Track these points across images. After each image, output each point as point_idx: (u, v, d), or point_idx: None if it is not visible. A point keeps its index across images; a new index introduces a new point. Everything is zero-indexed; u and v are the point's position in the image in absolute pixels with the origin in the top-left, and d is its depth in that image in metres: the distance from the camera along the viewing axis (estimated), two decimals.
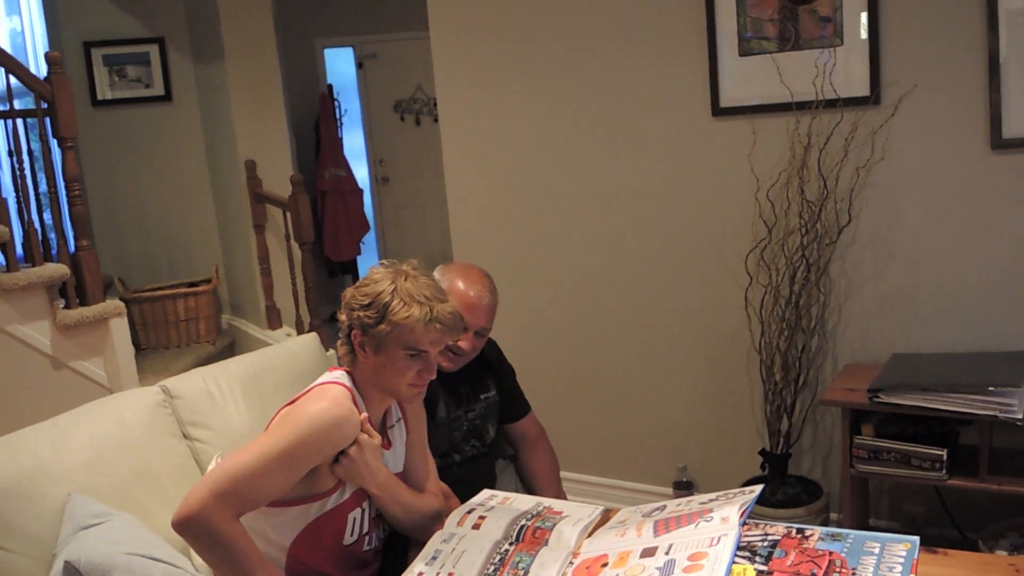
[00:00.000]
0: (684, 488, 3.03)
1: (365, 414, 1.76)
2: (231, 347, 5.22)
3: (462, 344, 2.14)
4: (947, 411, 2.25)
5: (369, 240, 6.61)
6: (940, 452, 2.32)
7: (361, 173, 6.53)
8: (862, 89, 2.61)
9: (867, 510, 2.76)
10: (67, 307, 3.70)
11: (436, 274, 2.20)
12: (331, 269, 6.50)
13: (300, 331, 4.73)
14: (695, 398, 3.06)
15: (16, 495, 1.90)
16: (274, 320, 5.08)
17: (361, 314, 1.73)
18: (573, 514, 1.87)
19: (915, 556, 1.52)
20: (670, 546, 1.62)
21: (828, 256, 2.69)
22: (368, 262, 6.70)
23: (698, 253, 2.97)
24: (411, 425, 1.96)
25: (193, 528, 1.59)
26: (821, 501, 2.68)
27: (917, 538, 1.57)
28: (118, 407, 2.20)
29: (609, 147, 3.08)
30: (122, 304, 3.86)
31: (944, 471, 2.32)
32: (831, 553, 1.55)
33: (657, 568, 1.56)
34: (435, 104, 6.50)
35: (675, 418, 3.12)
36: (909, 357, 2.59)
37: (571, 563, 1.69)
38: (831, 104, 2.61)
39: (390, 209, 6.73)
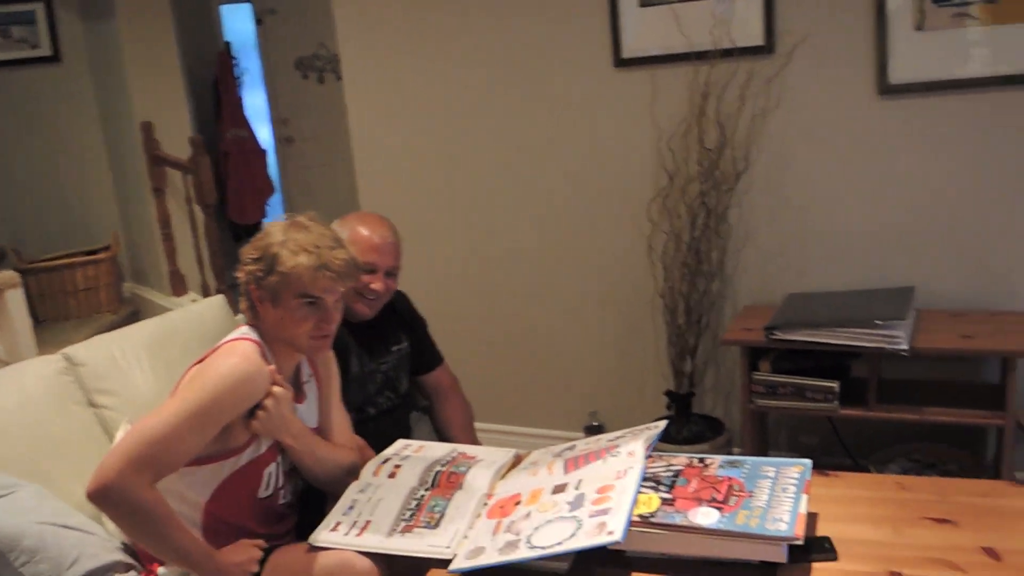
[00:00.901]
0: (595, 432, 3.11)
1: (273, 367, 1.77)
2: (134, 316, 5.09)
3: (375, 287, 2.17)
4: (838, 345, 2.37)
5: (275, 203, 6.49)
6: (832, 384, 2.45)
7: (264, 134, 6.38)
8: (757, 39, 2.68)
9: (766, 443, 2.89)
10: None
11: (334, 226, 2.21)
12: (236, 233, 6.35)
13: (206, 296, 4.64)
14: (603, 344, 3.14)
15: None
16: (178, 286, 4.97)
17: (253, 267, 1.75)
18: (487, 458, 1.92)
19: (808, 477, 1.62)
20: (579, 481, 1.68)
21: (727, 203, 2.78)
22: None
23: (603, 202, 3.02)
24: (323, 380, 1.97)
25: (110, 498, 1.58)
26: (723, 437, 2.80)
27: (810, 461, 1.67)
28: (19, 377, 2.14)
29: (514, 99, 3.09)
30: (17, 275, 3.72)
31: (836, 402, 2.45)
32: (730, 479, 1.63)
33: (568, 502, 1.62)
34: (339, 61, 6.38)
35: (584, 364, 3.20)
36: (802, 296, 2.71)
37: (485, 504, 1.74)
38: (728, 54, 2.68)
39: (296, 170, 6.60)
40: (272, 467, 1.83)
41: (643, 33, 2.84)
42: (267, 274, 1.73)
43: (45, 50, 5.27)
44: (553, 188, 3.10)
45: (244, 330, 1.81)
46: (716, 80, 2.72)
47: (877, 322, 2.31)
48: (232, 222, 6.19)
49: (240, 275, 1.80)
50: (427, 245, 3.29)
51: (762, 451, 2.77)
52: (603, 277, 3.09)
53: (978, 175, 2.56)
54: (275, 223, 1.79)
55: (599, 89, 2.94)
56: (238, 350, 1.73)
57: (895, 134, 2.62)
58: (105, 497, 1.58)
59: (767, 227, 2.80)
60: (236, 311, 2.72)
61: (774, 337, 2.46)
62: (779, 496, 1.56)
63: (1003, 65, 2.48)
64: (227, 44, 6.18)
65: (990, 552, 1.47)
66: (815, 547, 1.53)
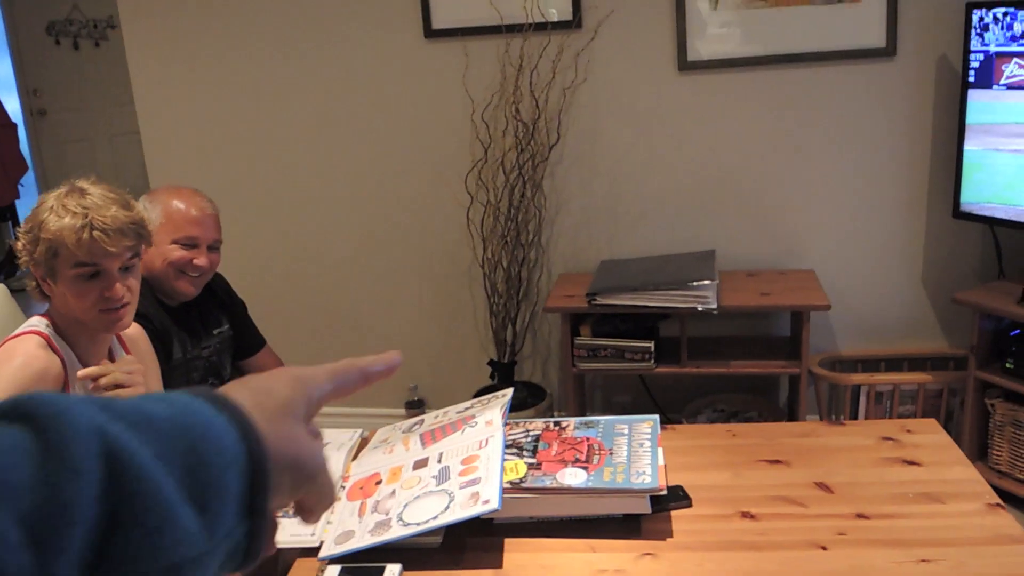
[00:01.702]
0: (416, 407, 3.11)
1: (63, 356, 1.61)
2: None
3: (198, 262, 2.04)
4: (656, 307, 2.51)
5: (28, 181, 5.89)
6: (648, 344, 2.59)
7: (12, 105, 5.75)
8: (566, 13, 2.75)
9: (584, 404, 3.02)
10: None
11: (143, 202, 2.06)
12: None
13: None
14: (423, 317, 3.13)
15: None
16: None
17: (24, 241, 1.59)
18: (334, 440, 1.87)
19: (659, 432, 1.71)
20: (440, 454, 1.67)
21: (542, 173, 2.85)
22: (28, 206, 5.98)
23: (419, 175, 3.00)
24: (144, 367, 1.83)
25: None
26: (546, 401, 2.89)
27: (657, 416, 1.76)
28: None
29: (323, 72, 2.98)
30: None
31: (652, 361, 2.60)
32: (588, 439, 1.69)
33: (433, 476, 1.60)
34: (96, 25, 5.87)
35: (404, 339, 3.17)
36: (615, 263, 2.83)
37: (343, 487, 1.69)
38: (540, 27, 2.73)
39: (51, 145, 6.02)
40: None
41: (454, 5, 2.83)
42: (36, 245, 1.56)
43: None
44: (366, 162, 3.03)
45: (31, 322, 1.65)
46: (528, 53, 2.76)
47: (691, 284, 2.47)
48: None
49: (21, 255, 1.62)
50: (235, 225, 3.09)
51: (581, 412, 2.88)
52: (421, 250, 3.07)
53: (765, 146, 2.79)
54: (52, 191, 1.61)
55: (410, 60, 2.90)
56: (19, 350, 1.56)
57: (693, 108, 2.79)
58: None
59: (579, 197, 2.90)
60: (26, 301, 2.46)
61: (595, 303, 2.56)
62: (637, 451, 1.63)
63: (784, 44, 2.70)
64: None
65: (822, 486, 1.62)
66: (671, 496, 1.61)
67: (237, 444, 0.49)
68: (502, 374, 2.88)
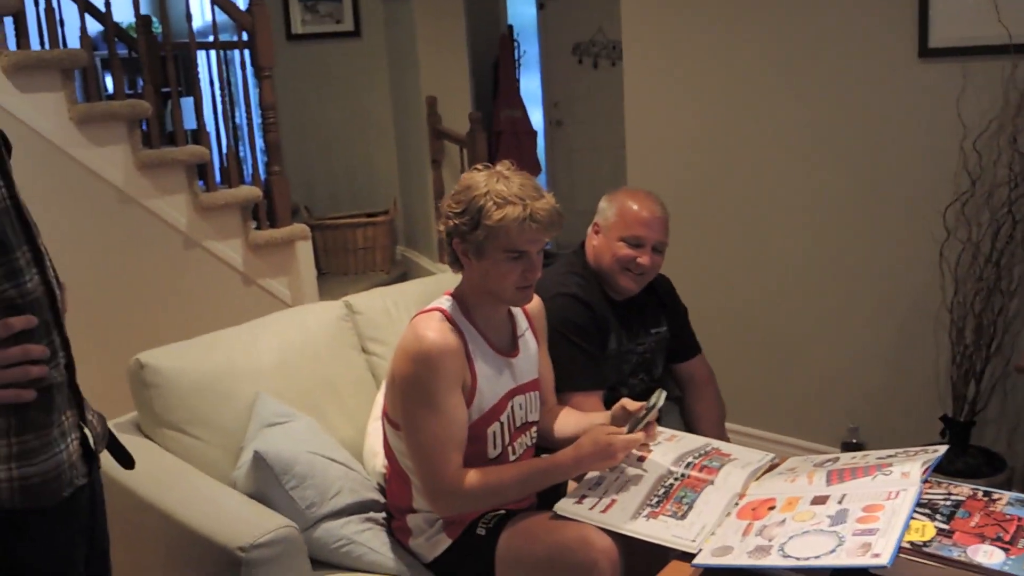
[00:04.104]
0: (853, 449, 2.91)
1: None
2: (403, 277, 5.40)
3: (642, 261, 2.15)
4: None
5: (540, 182, 6.63)
6: None
7: (536, 116, 6.54)
8: None
9: None
10: (258, 228, 3.94)
11: (603, 202, 2.25)
12: None
13: None
14: (874, 356, 2.91)
15: (211, 390, 2.06)
16: (445, 253, 5.20)
17: (457, 221, 1.73)
18: (742, 457, 1.84)
19: None
20: (843, 496, 1.56)
21: None
22: None
23: (890, 203, 2.79)
24: (540, 334, 1.98)
25: (454, 505, 1.74)
26: (1003, 475, 2.51)
27: None
28: (305, 317, 2.33)
29: (802, 89, 2.92)
30: (307, 228, 4.06)
31: None
32: (1020, 519, 1.45)
33: (828, 516, 1.51)
34: (615, 47, 6.40)
35: (850, 375, 2.98)
36: None
37: (736, 504, 1.67)
38: None
39: (562, 153, 6.72)
40: (496, 427, 1.82)
41: (954, 20, 2.57)
42: (473, 228, 1.70)
43: (348, 25, 5.71)
44: (835, 184, 2.91)
45: (438, 301, 1.84)
46: None
47: None
48: None
49: (441, 228, 1.80)
50: (692, 235, 3.20)
51: None
52: (881, 284, 2.85)
53: None
54: (474, 174, 1.77)
55: (899, 80, 2.71)
56: (418, 330, 1.73)
57: None
58: (451, 507, 1.75)
59: None
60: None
61: None
62: None
63: None
64: (510, 27, 6.39)
65: None
66: None
67: None
68: (955, 433, 2.57)
